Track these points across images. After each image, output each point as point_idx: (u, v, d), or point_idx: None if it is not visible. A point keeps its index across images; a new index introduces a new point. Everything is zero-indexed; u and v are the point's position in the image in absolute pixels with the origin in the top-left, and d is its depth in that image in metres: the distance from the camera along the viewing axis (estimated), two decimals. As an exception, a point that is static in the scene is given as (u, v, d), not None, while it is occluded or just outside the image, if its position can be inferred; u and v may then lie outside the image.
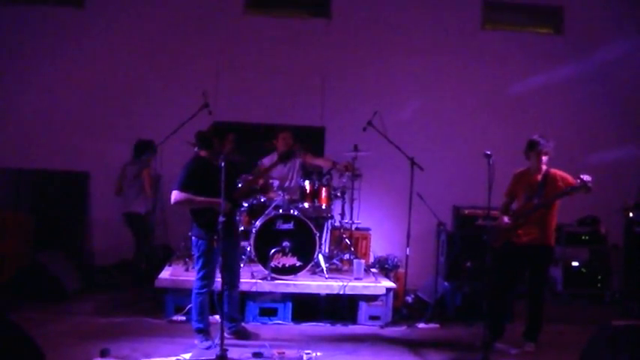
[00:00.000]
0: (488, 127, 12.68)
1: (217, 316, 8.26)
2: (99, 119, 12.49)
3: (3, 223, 10.95)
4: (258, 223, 9.73)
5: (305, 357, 7.64)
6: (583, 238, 12.20)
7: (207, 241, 7.93)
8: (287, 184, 10.73)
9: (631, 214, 11.73)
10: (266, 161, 10.83)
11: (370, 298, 9.71)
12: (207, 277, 7.99)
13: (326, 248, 10.96)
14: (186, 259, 10.24)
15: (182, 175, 7.97)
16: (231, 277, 8.22)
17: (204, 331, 8.10)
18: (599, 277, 12.16)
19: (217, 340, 7.49)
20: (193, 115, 10.79)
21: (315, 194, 10.43)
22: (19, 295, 9.97)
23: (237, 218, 8.08)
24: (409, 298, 10.81)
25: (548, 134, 8.56)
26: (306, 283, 9.58)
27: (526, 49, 13.34)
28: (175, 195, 7.91)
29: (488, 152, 7.73)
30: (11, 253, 10.82)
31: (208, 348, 7.88)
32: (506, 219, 8.56)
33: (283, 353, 7.64)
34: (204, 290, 8.03)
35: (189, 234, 8.38)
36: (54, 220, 11.94)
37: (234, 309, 8.40)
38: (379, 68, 12.97)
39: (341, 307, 9.72)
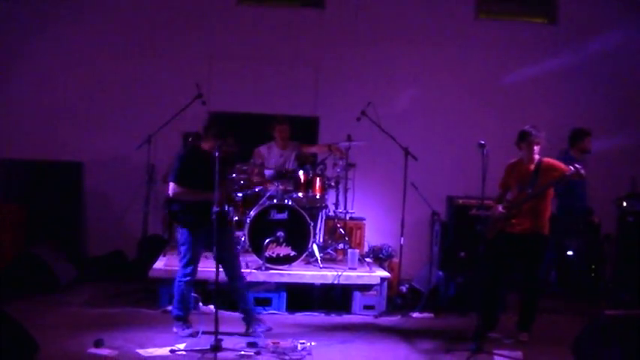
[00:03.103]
0: (482, 117, 12.66)
1: (212, 306, 8.31)
2: (91, 109, 12.43)
3: (-3, 215, 10.96)
4: (252, 213, 9.74)
5: (299, 347, 7.65)
6: (577, 228, 12.19)
7: (189, 228, 7.99)
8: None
9: (624, 204, 11.73)
10: (263, 149, 10.84)
11: (364, 288, 9.73)
12: (189, 265, 8.03)
13: (320, 238, 10.96)
14: (180, 250, 10.23)
15: (176, 167, 8.00)
16: (227, 269, 8.17)
17: (183, 319, 8.18)
18: (593, 267, 12.18)
19: (200, 328, 7.88)
20: (186, 105, 10.80)
21: (309, 184, 10.41)
22: (12, 287, 9.91)
23: (228, 209, 8.11)
24: (403, 288, 10.83)
25: (541, 124, 8.58)
26: (301, 273, 9.60)
27: (520, 38, 13.31)
28: (172, 188, 7.97)
29: (482, 142, 7.74)
30: (4, 244, 10.79)
31: (189, 336, 8.01)
32: (500, 208, 8.58)
33: (278, 343, 7.67)
34: (187, 279, 8.09)
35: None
36: (47, 211, 11.88)
37: (240, 300, 8.35)
38: (373, 58, 12.93)
39: (335, 297, 9.75)
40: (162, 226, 11.72)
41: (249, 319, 8.27)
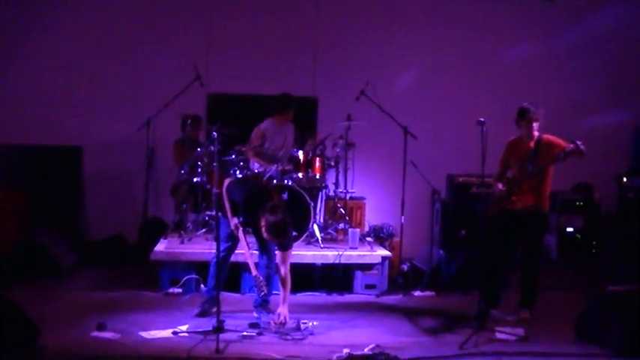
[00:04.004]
0: (481, 95, 12.62)
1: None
2: (90, 93, 12.38)
3: (-3, 201, 10.95)
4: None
5: (302, 326, 7.66)
6: (577, 204, 12.22)
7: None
8: (280, 153, 10.65)
9: (625, 180, 11.75)
10: (264, 125, 10.73)
11: (366, 267, 9.76)
12: (217, 244, 7.92)
13: (321, 218, 10.97)
14: (181, 232, 10.25)
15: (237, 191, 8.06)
16: (261, 247, 8.21)
17: (205, 299, 8.30)
18: (594, 244, 12.21)
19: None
20: (185, 87, 10.78)
21: (308, 164, 10.42)
22: (14, 273, 9.91)
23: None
24: (405, 267, 10.83)
25: (540, 102, 8.58)
26: (302, 253, 9.57)
27: (519, 16, 13.26)
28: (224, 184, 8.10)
29: (482, 120, 7.72)
30: (5, 230, 10.80)
31: (196, 316, 8.14)
32: (500, 186, 8.57)
33: (279, 323, 7.66)
34: (214, 259, 8.06)
35: None
36: (47, 196, 11.86)
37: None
38: (372, 38, 12.87)
39: (336, 277, 9.74)
40: (174, 208, 11.69)
41: (260, 302, 8.28)
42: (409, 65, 13.03)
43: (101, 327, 7.44)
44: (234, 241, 8.10)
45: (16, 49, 12.31)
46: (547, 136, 8.43)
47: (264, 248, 8.13)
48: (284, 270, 7.90)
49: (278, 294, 8.05)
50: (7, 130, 12.01)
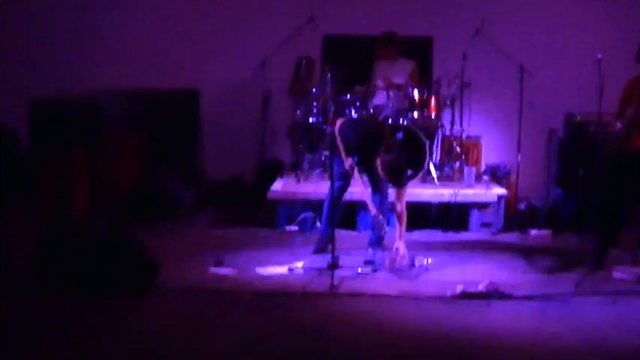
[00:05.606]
0: (603, 31, 12.25)
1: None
2: (206, 37, 12.48)
3: (119, 143, 11.21)
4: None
5: (416, 263, 7.70)
6: None
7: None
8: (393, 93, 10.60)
9: None
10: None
11: (481, 206, 9.71)
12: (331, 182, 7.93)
13: (437, 157, 10.93)
14: (298, 172, 10.37)
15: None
16: (372, 182, 8.25)
17: (320, 236, 8.41)
18: None
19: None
20: (299, 29, 10.80)
21: (423, 103, 10.35)
22: (135, 213, 10.14)
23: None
24: (521, 206, 10.69)
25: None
26: (418, 192, 9.56)
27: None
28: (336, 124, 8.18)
29: (600, 56, 7.54)
30: (127, 171, 11.04)
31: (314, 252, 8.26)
32: (619, 124, 8.37)
33: (394, 260, 7.69)
34: (328, 198, 8.14)
35: None
36: (167, 139, 12.07)
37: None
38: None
39: (452, 215, 9.72)
40: (290, 149, 11.80)
41: (375, 239, 8.27)
42: (525, 1, 12.70)
43: (218, 262, 7.61)
44: (347, 179, 8.12)
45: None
46: (671, 74, 8.17)
47: (377, 187, 8.15)
48: (400, 207, 7.91)
49: (391, 231, 8.08)
50: (128, 75, 12.22)
